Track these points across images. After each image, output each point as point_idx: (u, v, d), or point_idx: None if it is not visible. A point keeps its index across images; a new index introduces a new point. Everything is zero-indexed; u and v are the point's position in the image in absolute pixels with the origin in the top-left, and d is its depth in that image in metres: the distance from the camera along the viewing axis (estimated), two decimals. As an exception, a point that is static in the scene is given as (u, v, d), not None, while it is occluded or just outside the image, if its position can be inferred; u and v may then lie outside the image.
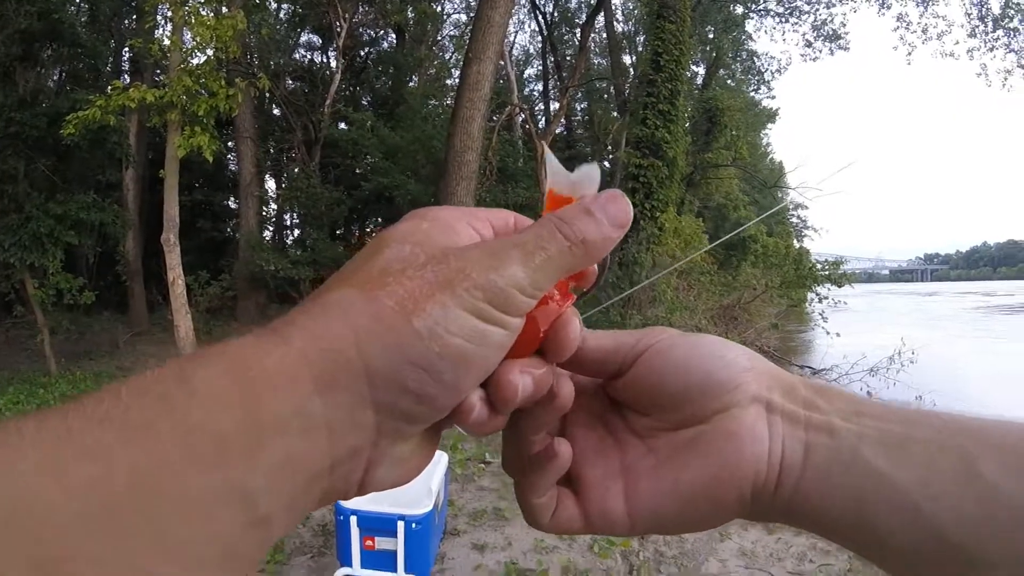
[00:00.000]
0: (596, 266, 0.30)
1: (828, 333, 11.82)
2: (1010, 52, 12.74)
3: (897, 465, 0.27)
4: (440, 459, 2.79)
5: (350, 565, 2.40)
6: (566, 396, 0.30)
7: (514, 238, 0.26)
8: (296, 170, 15.11)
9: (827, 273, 14.28)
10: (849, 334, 12.66)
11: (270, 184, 18.13)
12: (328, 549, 2.97)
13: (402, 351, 0.22)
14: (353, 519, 2.36)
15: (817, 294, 13.93)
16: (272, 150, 16.88)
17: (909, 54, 15.11)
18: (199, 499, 0.19)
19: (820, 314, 12.84)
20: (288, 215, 18.02)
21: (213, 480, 0.19)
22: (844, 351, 10.14)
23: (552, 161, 0.30)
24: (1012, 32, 12.47)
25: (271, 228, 18.18)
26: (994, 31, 12.75)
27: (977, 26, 13.21)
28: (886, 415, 0.29)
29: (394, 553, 2.36)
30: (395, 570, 2.37)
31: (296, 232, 17.63)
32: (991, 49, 13.02)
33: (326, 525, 3.23)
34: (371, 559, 2.39)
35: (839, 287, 14.16)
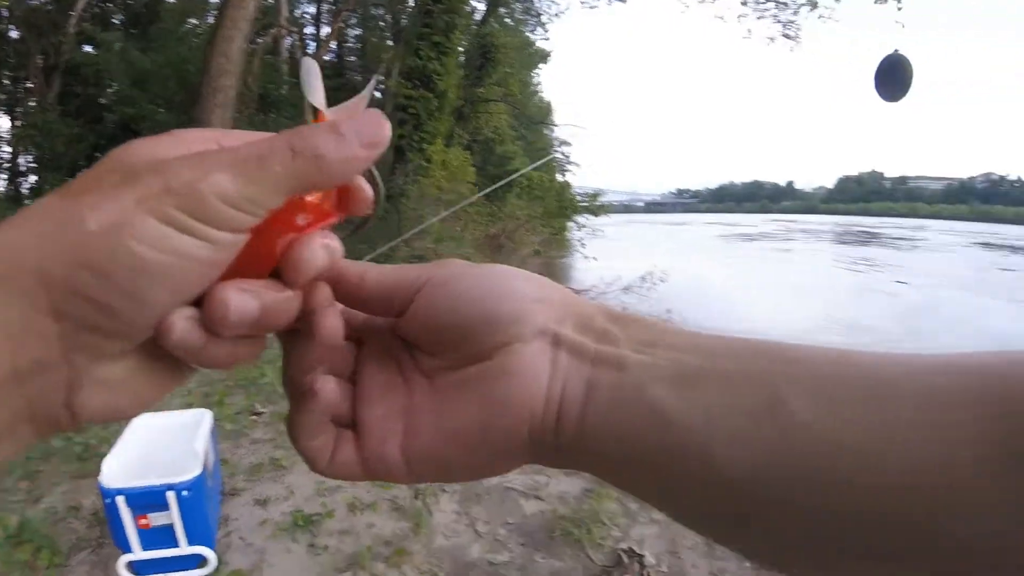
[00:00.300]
0: (370, 192, 0.28)
1: (586, 258, 13.28)
2: (777, 23, 14.53)
3: (688, 403, 0.24)
4: (203, 418, 2.66)
5: (130, 550, 2.25)
6: (328, 329, 0.27)
7: (233, 148, 0.23)
8: (32, 103, 12.34)
9: (586, 204, 15.86)
10: (606, 259, 14.17)
11: (3, 122, 14.55)
12: (107, 539, 2.74)
13: (74, 252, 0.20)
14: (120, 499, 2.18)
15: (577, 223, 15.47)
16: (7, 80, 13.54)
17: (684, 10, 16.49)
18: None
19: (579, 241, 14.32)
20: (23, 158, 14.64)
21: None
22: (601, 274, 11.23)
23: (313, 74, 0.28)
24: (782, 5, 14.19)
25: (5, 176, 14.67)
26: (766, 2, 14.42)
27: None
28: (688, 345, 0.26)
29: (171, 527, 2.25)
30: (177, 545, 2.27)
31: (32, 178, 14.40)
32: (760, 18, 14.69)
33: (98, 513, 2.95)
34: (150, 538, 2.26)
35: (596, 216, 15.84)
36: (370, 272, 0.30)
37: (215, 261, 0.23)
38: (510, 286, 0.29)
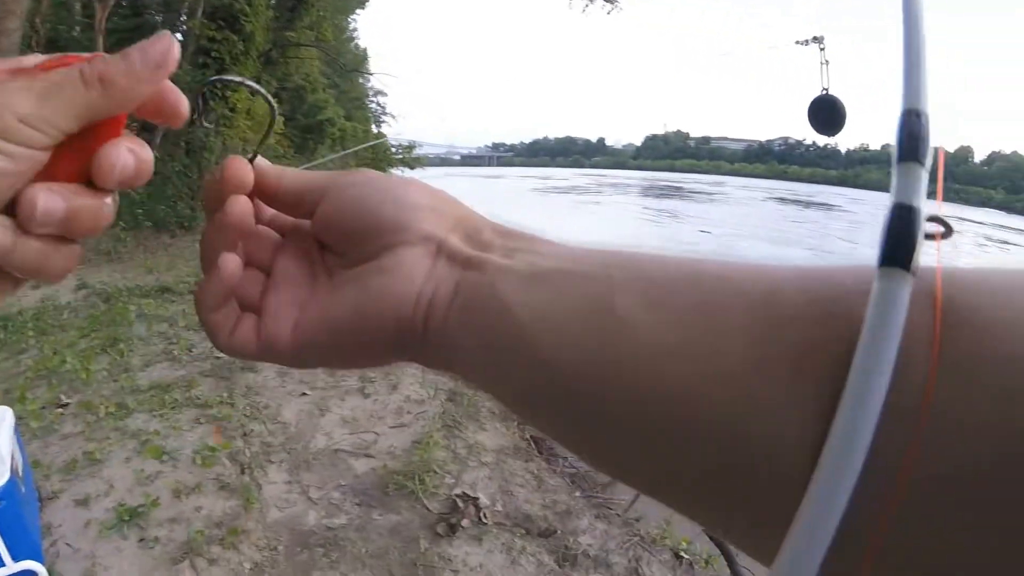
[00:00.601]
0: (182, 103, 0.30)
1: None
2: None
3: (525, 298, 0.26)
4: (3, 416, 2.38)
5: None
6: (234, 215, 0.30)
7: (35, 75, 0.26)
8: None
9: (401, 156, 15.75)
10: (420, 211, 14.38)
11: None
12: None
13: None
14: None
15: (391, 175, 15.37)
16: None
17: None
18: None
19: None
20: None
21: None
22: None
23: None
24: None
25: None
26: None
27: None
28: (551, 252, 0.28)
29: None
30: (3, 564, 2.10)
31: None
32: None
33: None
34: None
35: (412, 169, 15.77)
36: (286, 175, 0.33)
37: (16, 172, 0.25)
38: (405, 195, 0.31)
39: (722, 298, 0.23)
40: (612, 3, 15.08)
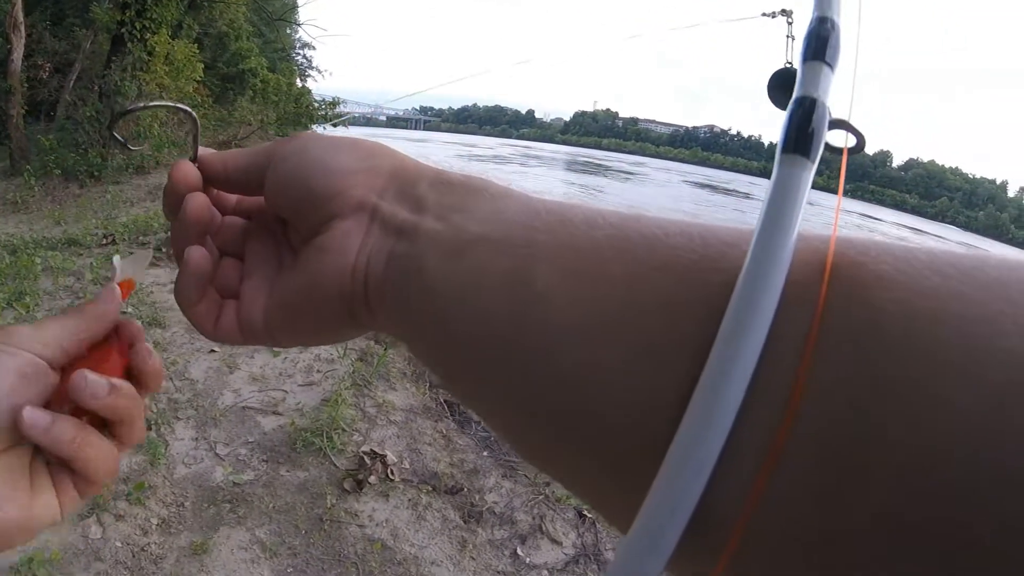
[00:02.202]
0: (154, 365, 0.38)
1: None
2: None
3: (447, 274, 0.25)
4: None
5: None
6: (191, 212, 0.32)
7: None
8: None
9: (324, 113, 15.15)
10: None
11: None
12: None
13: None
14: None
15: (324, 136, 14.76)
16: None
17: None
18: None
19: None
20: None
21: None
22: None
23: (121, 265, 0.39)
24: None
25: None
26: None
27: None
28: (486, 211, 0.26)
29: None
30: None
31: None
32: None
33: None
34: None
35: (335, 127, 15.19)
36: (228, 158, 0.33)
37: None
38: (333, 160, 0.30)
39: (626, 269, 0.21)
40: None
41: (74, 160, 9.10)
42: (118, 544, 2.12)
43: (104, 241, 5.53)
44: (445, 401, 3.22)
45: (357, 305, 0.29)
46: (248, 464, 2.60)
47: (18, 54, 10.90)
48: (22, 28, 10.92)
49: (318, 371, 3.35)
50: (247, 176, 0.33)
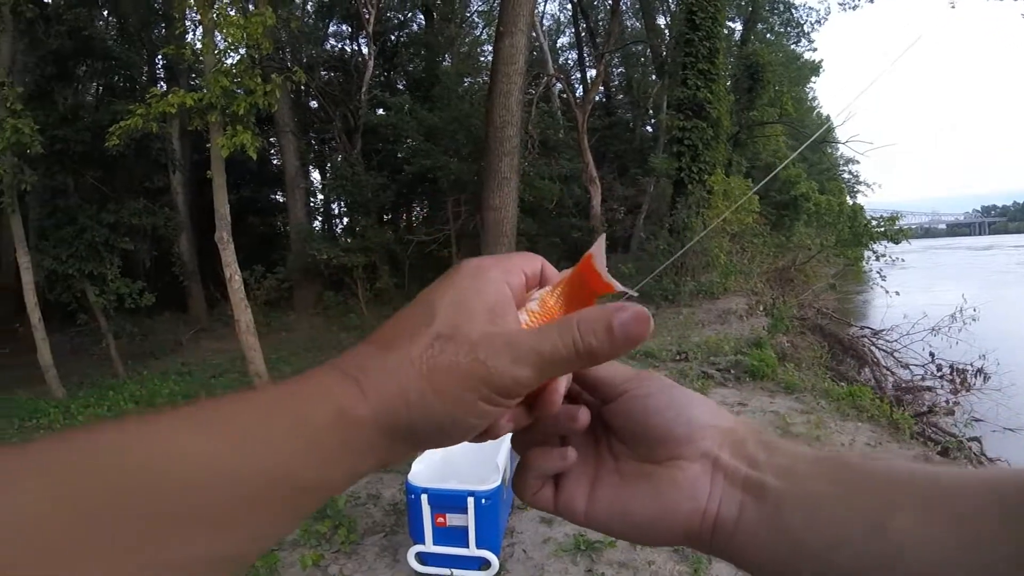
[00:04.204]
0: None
1: (887, 292, 11.38)
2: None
3: (811, 527, 0.32)
4: (505, 436, 2.78)
5: (423, 542, 2.45)
6: (582, 421, 0.38)
7: (537, 340, 0.32)
8: (339, 159, 15.32)
9: (883, 230, 13.70)
10: (908, 292, 12.17)
11: (315, 175, 18.44)
12: (400, 528, 3.02)
13: (433, 421, 0.31)
14: (424, 497, 2.39)
15: (874, 252, 13.37)
16: (313, 142, 17.06)
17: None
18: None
19: (878, 272, 12.35)
20: (335, 204, 18.35)
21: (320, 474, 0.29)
22: (904, 310, 9.88)
23: (601, 247, 0.35)
24: None
25: (320, 218, 18.56)
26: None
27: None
28: (815, 471, 0.34)
29: (465, 529, 2.39)
30: (467, 545, 2.41)
31: (344, 220, 17.91)
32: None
33: (397, 504, 3.28)
34: (443, 535, 2.42)
35: (896, 243, 13.56)
36: (599, 369, 0.39)
37: (506, 412, 0.34)
38: (688, 412, 0.37)
39: (968, 510, 0.29)
40: None
41: (649, 285, 10.57)
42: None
43: (677, 357, 5.95)
44: None
45: (698, 541, 0.36)
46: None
47: (596, 200, 13.99)
48: (597, 181, 13.99)
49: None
50: (602, 385, 0.40)
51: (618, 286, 0.35)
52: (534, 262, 0.38)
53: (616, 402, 0.38)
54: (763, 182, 9.96)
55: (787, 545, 0.33)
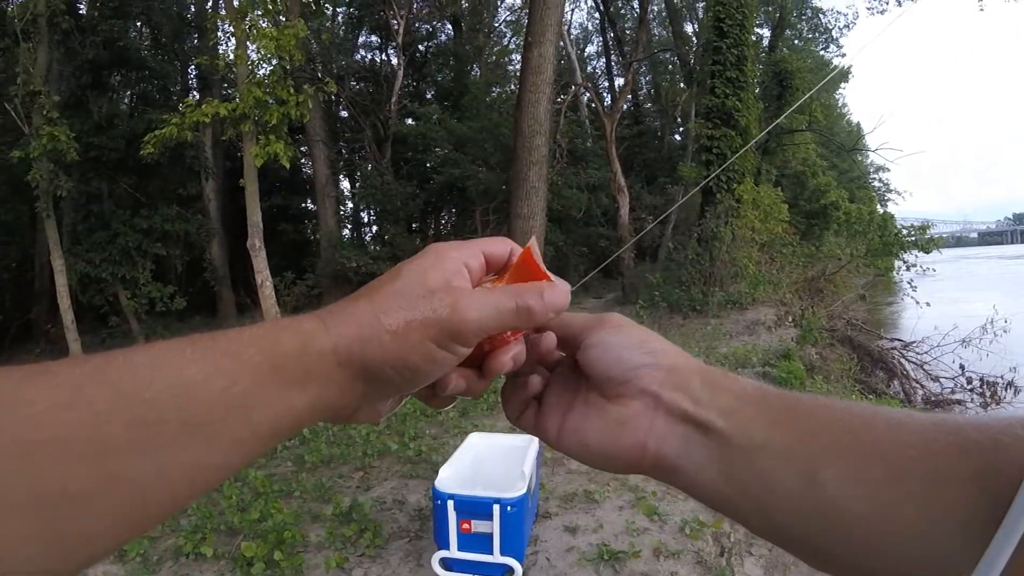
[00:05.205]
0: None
1: (918, 303, 11.15)
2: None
3: (751, 472, 0.35)
4: (531, 444, 2.83)
5: (447, 548, 2.47)
6: (544, 346, 0.44)
7: (486, 295, 0.38)
8: (369, 168, 15.53)
9: (914, 239, 13.44)
10: (938, 303, 11.88)
11: (344, 184, 18.71)
12: (425, 533, 3.06)
13: (384, 358, 0.36)
14: (450, 503, 2.42)
15: (904, 262, 13.10)
16: (344, 151, 17.33)
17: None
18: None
19: (909, 283, 12.10)
20: (365, 212, 18.58)
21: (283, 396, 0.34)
22: (935, 321, 9.60)
23: (536, 247, 0.43)
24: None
25: (349, 226, 18.80)
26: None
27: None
28: (756, 415, 0.37)
29: (490, 536, 2.41)
30: (491, 552, 2.43)
31: (374, 228, 18.14)
32: None
33: (422, 510, 3.32)
34: (468, 542, 2.45)
35: (927, 253, 13.28)
36: (566, 320, 0.44)
37: (455, 363, 0.39)
38: (625, 355, 0.41)
39: (902, 467, 0.31)
40: None
41: (678, 295, 10.50)
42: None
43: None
44: None
45: (644, 463, 0.40)
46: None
47: (624, 210, 13.94)
48: (625, 190, 13.95)
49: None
50: (566, 337, 0.45)
51: (552, 276, 0.42)
52: (501, 245, 0.43)
53: (580, 349, 0.43)
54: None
55: (732, 485, 0.36)
